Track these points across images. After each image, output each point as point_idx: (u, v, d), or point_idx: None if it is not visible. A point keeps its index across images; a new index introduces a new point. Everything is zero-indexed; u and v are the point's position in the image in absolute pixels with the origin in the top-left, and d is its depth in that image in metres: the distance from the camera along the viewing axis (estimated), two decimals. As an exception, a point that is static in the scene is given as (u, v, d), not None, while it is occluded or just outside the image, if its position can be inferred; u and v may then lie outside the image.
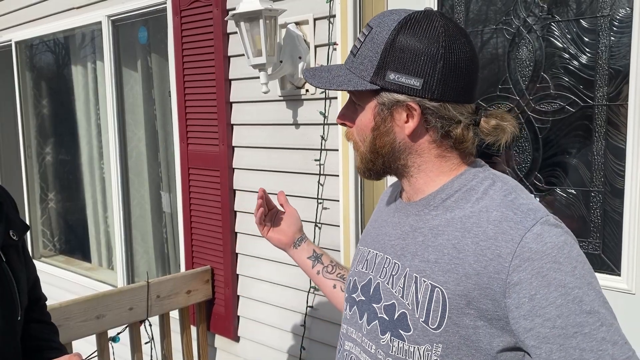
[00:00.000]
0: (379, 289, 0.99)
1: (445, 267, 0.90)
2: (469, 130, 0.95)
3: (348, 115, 1.01)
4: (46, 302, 1.49)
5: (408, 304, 0.92)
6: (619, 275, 1.58)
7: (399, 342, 0.93)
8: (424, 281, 0.92)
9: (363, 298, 1.03)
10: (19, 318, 1.26)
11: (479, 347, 0.88)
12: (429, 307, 0.90)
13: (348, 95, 1.02)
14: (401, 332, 0.93)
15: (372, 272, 1.03)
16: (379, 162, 0.98)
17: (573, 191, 1.69)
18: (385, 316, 0.96)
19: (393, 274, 0.97)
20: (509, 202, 0.90)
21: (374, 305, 0.99)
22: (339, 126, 2.08)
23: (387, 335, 0.95)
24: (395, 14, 0.93)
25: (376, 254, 1.04)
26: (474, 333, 0.88)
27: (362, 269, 1.07)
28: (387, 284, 0.97)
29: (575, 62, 1.65)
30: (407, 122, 0.94)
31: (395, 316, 0.94)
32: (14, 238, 1.28)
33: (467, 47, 0.92)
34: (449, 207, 0.94)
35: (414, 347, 0.91)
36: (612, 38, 1.57)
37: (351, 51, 0.97)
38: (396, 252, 0.99)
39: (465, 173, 0.96)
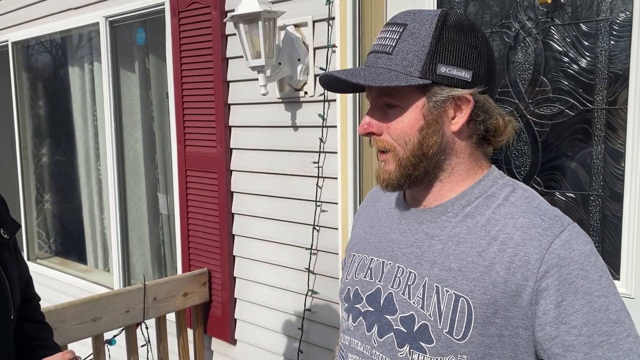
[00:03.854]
0: (392, 300, 0.94)
1: (471, 276, 0.87)
2: (506, 122, 0.94)
3: (376, 122, 0.94)
4: (40, 302, 1.48)
5: (429, 315, 0.89)
6: (618, 279, 1.58)
7: (419, 354, 0.89)
8: (447, 291, 0.88)
9: (371, 309, 0.97)
10: (12, 317, 1.25)
11: (503, 355, 0.86)
12: (453, 318, 0.87)
13: (351, 98, 1.00)
14: (422, 344, 0.89)
15: (380, 281, 0.98)
16: (422, 166, 0.92)
17: (572, 195, 1.69)
18: (402, 328, 0.91)
19: (409, 283, 0.93)
20: (534, 209, 0.89)
21: (388, 316, 0.94)
22: (338, 128, 2.08)
23: (405, 347, 0.91)
24: (426, 11, 0.92)
25: (383, 262, 0.99)
26: (499, 342, 0.86)
27: (366, 277, 1.01)
28: (403, 294, 0.93)
29: (575, 66, 1.65)
30: (454, 117, 0.91)
31: (415, 328, 0.90)
32: (5, 236, 1.27)
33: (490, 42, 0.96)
34: (470, 214, 0.92)
35: (437, 359, 0.88)
36: (612, 42, 1.57)
37: (379, 51, 0.92)
38: (410, 260, 0.95)
39: (484, 179, 0.95)
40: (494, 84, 0.95)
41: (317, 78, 0.99)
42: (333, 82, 0.96)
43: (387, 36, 0.92)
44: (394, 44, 0.91)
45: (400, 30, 0.91)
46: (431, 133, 0.91)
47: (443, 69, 0.88)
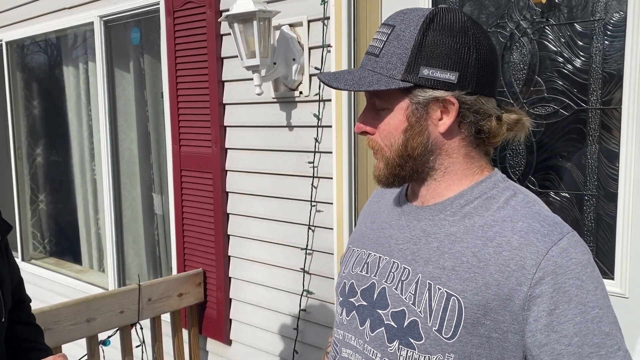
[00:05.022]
0: (384, 295, 0.94)
1: (464, 276, 0.87)
2: (501, 124, 0.93)
3: (369, 122, 0.96)
4: (30, 304, 1.47)
5: (420, 311, 0.88)
6: (613, 279, 1.58)
7: (407, 350, 0.89)
8: (439, 288, 0.88)
9: (365, 303, 0.97)
10: (3, 320, 1.24)
11: (490, 356, 0.86)
12: (444, 316, 0.86)
13: (346, 98, 1.00)
14: (411, 340, 0.89)
15: (375, 276, 0.98)
16: (408, 166, 0.93)
17: (567, 195, 1.69)
18: (393, 323, 0.91)
19: (402, 279, 0.93)
20: (534, 214, 0.88)
21: (379, 311, 0.94)
22: (333, 128, 2.08)
23: (394, 343, 0.91)
24: (417, 11, 0.92)
25: (379, 257, 0.99)
26: (487, 343, 0.85)
27: (362, 272, 1.01)
28: (396, 289, 0.93)
29: (569, 66, 1.65)
30: (441, 119, 0.91)
31: (405, 324, 0.90)
32: None
33: (490, 39, 0.92)
34: (468, 214, 0.92)
35: (425, 357, 0.87)
36: (606, 42, 1.58)
37: (369, 53, 0.94)
38: (406, 256, 0.95)
39: (486, 181, 0.94)
40: (491, 84, 0.92)
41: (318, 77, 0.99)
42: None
43: (378, 37, 0.93)
44: (381, 46, 0.91)
45: (389, 32, 0.91)
46: (415, 134, 0.91)
47: (425, 72, 0.88)
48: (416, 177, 0.96)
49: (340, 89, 0.92)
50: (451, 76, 0.88)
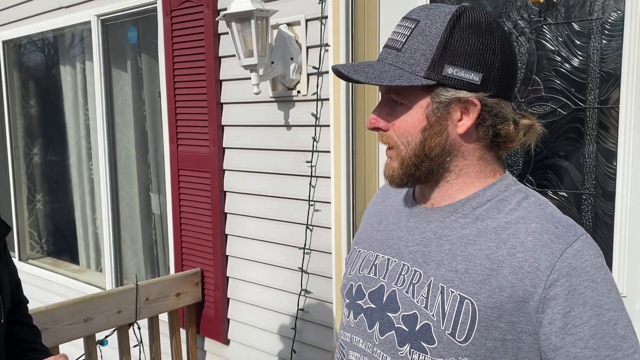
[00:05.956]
0: (395, 298, 0.93)
1: (477, 278, 0.85)
2: (518, 129, 0.92)
3: (383, 117, 0.93)
4: (28, 305, 1.47)
5: (432, 315, 0.87)
6: (610, 278, 1.59)
7: (419, 354, 0.88)
8: (452, 292, 0.87)
9: (373, 306, 0.96)
10: (2, 321, 1.24)
11: (504, 359, 0.85)
12: (457, 319, 0.85)
13: (344, 97, 0.98)
14: (423, 344, 0.87)
15: (384, 278, 0.96)
16: (424, 167, 0.91)
17: (564, 194, 1.69)
18: (404, 327, 0.90)
19: (414, 282, 0.91)
20: (547, 215, 0.87)
21: (390, 314, 0.92)
22: (331, 127, 2.07)
23: (406, 347, 0.89)
24: (442, 7, 0.90)
25: (388, 259, 0.98)
26: (502, 346, 0.84)
27: (370, 274, 0.99)
28: (407, 292, 0.91)
29: (567, 65, 1.65)
30: (460, 120, 0.89)
31: (417, 327, 0.88)
32: None
33: (512, 43, 0.91)
34: (480, 216, 0.90)
35: None
36: (604, 41, 1.58)
37: (390, 46, 0.91)
38: (416, 259, 0.93)
39: (498, 183, 0.93)
40: (511, 87, 0.91)
41: (331, 69, 0.96)
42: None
43: (400, 31, 0.90)
44: (404, 41, 0.89)
45: (412, 26, 0.89)
46: (434, 134, 0.89)
47: (450, 70, 0.86)
48: (430, 178, 0.94)
49: (361, 82, 0.89)
50: (475, 77, 0.86)
